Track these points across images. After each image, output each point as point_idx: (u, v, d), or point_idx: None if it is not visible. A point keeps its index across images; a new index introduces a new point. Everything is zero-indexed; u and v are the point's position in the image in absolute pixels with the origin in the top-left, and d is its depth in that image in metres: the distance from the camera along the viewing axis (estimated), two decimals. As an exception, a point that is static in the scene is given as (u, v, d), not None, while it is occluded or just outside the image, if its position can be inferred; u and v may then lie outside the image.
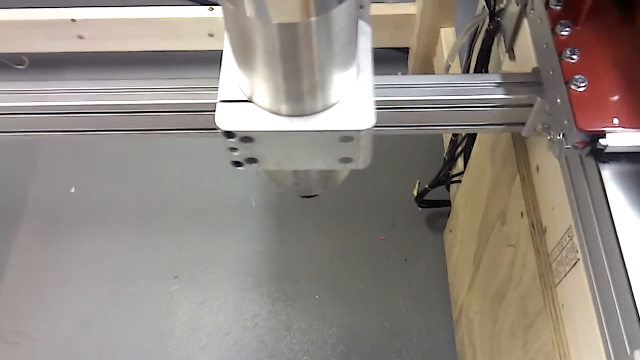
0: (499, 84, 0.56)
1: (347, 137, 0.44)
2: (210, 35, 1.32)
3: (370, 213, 1.25)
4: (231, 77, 0.45)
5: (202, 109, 0.56)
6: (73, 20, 1.28)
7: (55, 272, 1.19)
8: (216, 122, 0.44)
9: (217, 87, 0.45)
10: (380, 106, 0.56)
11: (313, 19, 0.36)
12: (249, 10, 0.36)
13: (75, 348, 1.12)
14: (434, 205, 1.20)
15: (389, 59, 1.43)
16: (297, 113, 0.44)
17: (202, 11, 1.30)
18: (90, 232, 1.23)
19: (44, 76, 1.40)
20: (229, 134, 0.44)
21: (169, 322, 1.14)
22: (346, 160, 0.47)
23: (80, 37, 1.31)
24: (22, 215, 1.25)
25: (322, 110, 0.44)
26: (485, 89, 0.57)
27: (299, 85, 0.41)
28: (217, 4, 1.29)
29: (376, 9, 1.31)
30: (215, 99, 0.45)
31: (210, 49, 1.33)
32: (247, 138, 0.44)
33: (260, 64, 0.41)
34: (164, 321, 1.14)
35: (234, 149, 0.45)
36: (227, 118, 0.44)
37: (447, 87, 0.58)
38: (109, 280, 1.18)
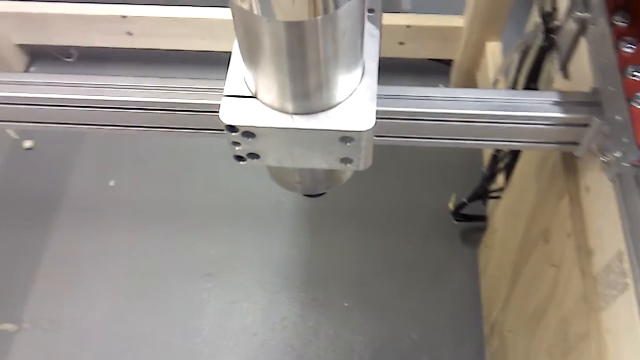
0: (556, 103, 0.56)
1: (347, 137, 0.45)
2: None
3: (403, 223, 1.24)
4: (238, 73, 0.46)
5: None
6: (124, 16, 1.30)
7: (90, 263, 1.21)
8: (220, 115, 0.45)
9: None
10: (423, 118, 0.57)
11: (318, 17, 0.37)
12: (256, 8, 0.37)
13: (104, 339, 1.13)
14: (470, 220, 1.19)
15: (430, 70, 1.43)
16: (300, 111, 0.44)
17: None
18: (126, 225, 1.25)
19: (90, 70, 1.43)
20: (232, 128, 0.45)
21: (197, 320, 1.15)
22: (346, 160, 0.47)
23: (129, 34, 1.33)
24: (61, 204, 1.27)
25: (324, 110, 0.45)
26: (540, 106, 0.56)
27: (302, 84, 0.42)
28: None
29: (421, 20, 1.31)
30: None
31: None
32: (249, 133, 0.45)
33: (265, 60, 0.42)
34: (192, 318, 1.15)
35: (236, 143, 0.46)
36: (230, 112, 0.45)
37: (498, 102, 0.57)
38: (141, 274, 1.20)
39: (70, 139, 1.35)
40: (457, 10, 1.29)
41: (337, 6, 0.37)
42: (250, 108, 0.45)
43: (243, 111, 0.45)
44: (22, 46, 1.42)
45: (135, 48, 1.35)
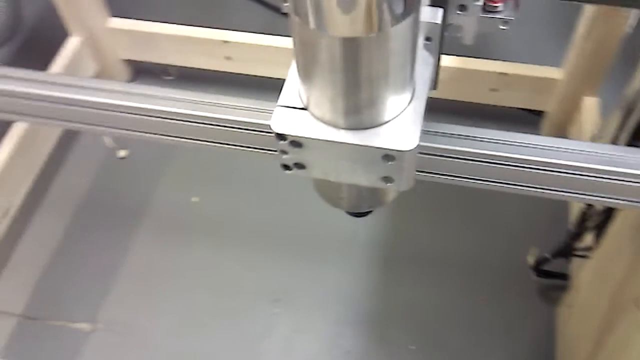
0: (668, 162, 0.54)
1: (389, 155, 0.46)
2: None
3: (480, 271, 1.22)
4: (294, 85, 0.48)
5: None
6: (225, 41, 1.35)
7: (166, 275, 1.24)
8: (270, 123, 0.47)
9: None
10: (514, 164, 0.56)
11: (372, 35, 0.39)
12: (312, 22, 0.39)
13: (170, 351, 1.15)
14: (551, 277, 1.15)
15: (521, 120, 1.41)
16: (346, 126, 0.46)
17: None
18: (204, 242, 1.28)
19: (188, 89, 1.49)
20: (280, 136, 0.47)
21: (262, 344, 1.15)
22: (388, 179, 0.48)
23: (228, 58, 1.38)
24: (146, 215, 1.32)
25: (371, 127, 0.46)
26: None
27: (351, 100, 0.44)
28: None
29: (516, 68, 1.30)
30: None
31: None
32: (296, 143, 0.47)
33: (317, 74, 0.44)
34: (258, 342, 1.16)
35: (284, 152, 0.48)
36: (280, 121, 0.47)
37: (599, 156, 0.56)
38: (213, 292, 1.22)
39: (160, 152, 1.40)
40: (554, 62, 1.28)
41: (390, 24, 0.39)
42: (300, 119, 0.47)
43: (293, 121, 0.47)
44: (127, 61, 1.50)
45: (232, 72, 1.40)
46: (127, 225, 1.31)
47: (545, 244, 1.13)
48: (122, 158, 1.41)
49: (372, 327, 1.17)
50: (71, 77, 0.68)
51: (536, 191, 0.58)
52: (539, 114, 1.38)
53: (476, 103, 1.35)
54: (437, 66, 0.57)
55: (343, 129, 0.46)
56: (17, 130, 1.23)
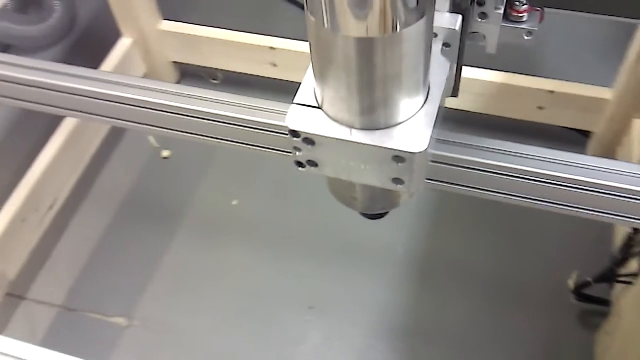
0: None
1: (399, 157, 0.46)
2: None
3: (518, 292, 1.19)
4: (310, 84, 0.49)
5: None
6: (272, 47, 1.37)
7: (203, 275, 1.26)
8: (286, 120, 0.48)
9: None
10: (559, 183, 0.55)
11: (385, 35, 0.40)
12: (327, 22, 0.40)
13: (203, 351, 1.16)
14: (592, 301, 1.12)
15: (566, 139, 1.38)
16: (359, 126, 0.47)
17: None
18: (241, 245, 1.29)
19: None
20: (294, 133, 0.48)
21: (293, 350, 1.15)
22: (398, 181, 0.49)
23: (274, 65, 1.39)
24: (186, 215, 1.34)
25: (382, 128, 0.47)
26: None
27: (363, 100, 0.45)
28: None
29: (566, 87, 1.27)
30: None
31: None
32: (309, 140, 0.48)
33: (331, 73, 0.45)
34: (288, 348, 1.16)
35: (297, 149, 0.49)
36: (295, 118, 0.48)
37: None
38: (248, 295, 1.23)
39: (203, 154, 1.42)
40: (603, 82, 1.25)
41: (403, 26, 0.40)
42: (314, 117, 0.48)
43: (307, 119, 0.48)
44: (175, 63, 1.53)
45: (278, 79, 1.42)
46: (167, 225, 1.33)
47: (586, 267, 1.10)
48: (165, 158, 1.43)
49: (406, 342, 1.15)
50: (119, 75, 0.70)
51: (580, 212, 0.57)
52: (586, 134, 1.35)
53: (522, 120, 1.33)
54: (459, 73, 0.57)
55: (355, 128, 0.47)
56: (67, 125, 1.27)
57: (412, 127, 0.47)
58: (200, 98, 0.64)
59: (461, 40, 0.54)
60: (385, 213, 0.61)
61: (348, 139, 0.47)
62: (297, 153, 0.50)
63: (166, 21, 1.44)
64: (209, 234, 1.32)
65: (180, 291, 1.24)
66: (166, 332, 1.19)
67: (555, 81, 1.28)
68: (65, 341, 1.19)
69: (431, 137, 0.47)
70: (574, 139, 1.37)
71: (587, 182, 0.54)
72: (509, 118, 1.34)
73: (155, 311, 1.21)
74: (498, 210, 1.27)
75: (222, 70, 1.51)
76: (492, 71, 1.28)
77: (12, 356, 0.60)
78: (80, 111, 0.71)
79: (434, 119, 0.47)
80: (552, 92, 1.26)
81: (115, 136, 1.45)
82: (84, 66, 0.71)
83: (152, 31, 1.42)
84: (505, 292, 1.19)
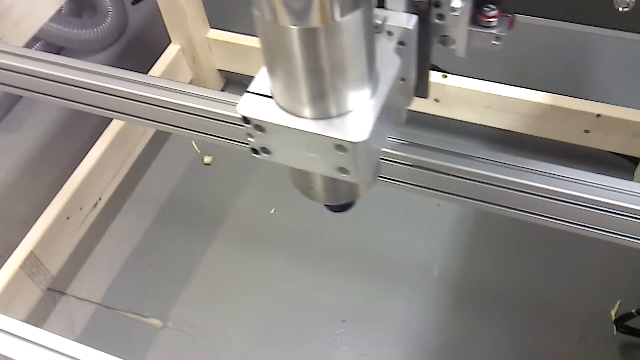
0: None
1: (341, 146, 0.48)
2: (436, 100, 1.34)
3: (558, 321, 1.16)
4: (266, 74, 0.51)
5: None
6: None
7: (239, 282, 1.27)
8: (237, 107, 0.50)
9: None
10: (605, 209, 0.54)
11: (321, 26, 0.42)
12: (267, 14, 0.42)
13: (235, 358, 1.17)
14: (634, 334, 1.08)
15: (613, 165, 1.34)
16: (305, 115, 0.48)
17: (434, 77, 1.32)
18: (278, 254, 1.30)
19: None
20: (245, 120, 0.50)
21: (323, 363, 1.15)
22: (343, 170, 0.50)
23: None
24: (225, 222, 1.35)
25: (327, 118, 0.48)
26: None
27: (306, 89, 0.46)
28: (450, 73, 1.32)
29: (614, 111, 1.24)
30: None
31: (433, 114, 1.35)
32: (259, 127, 0.50)
33: (275, 63, 0.47)
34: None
35: (250, 136, 0.51)
36: (246, 106, 0.50)
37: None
38: (282, 304, 1.23)
39: (244, 162, 1.43)
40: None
41: (342, 15, 0.42)
42: (264, 105, 0.50)
43: (258, 107, 0.50)
44: (221, 71, 1.55)
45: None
46: (206, 230, 1.34)
47: (631, 299, 1.07)
48: (207, 164, 1.45)
49: (435, 363, 1.14)
50: (167, 81, 0.71)
51: (625, 240, 0.56)
52: (634, 160, 1.31)
53: (568, 143, 1.31)
54: (426, 74, 0.59)
55: (302, 117, 0.49)
56: (114, 127, 1.30)
57: (355, 119, 0.48)
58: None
59: (423, 41, 0.55)
60: (350, 206, 0.62)
61: (293, 127, 0.49)
62: (250, 140, 0.52)
63: (214, 30, 1.47)
64: (247, 241, 1.32)
65: (215, 297, 1.25)
66: (200, 337, 1.20)
67: (603, 105, 1.25)
68: (101, 338, 1.21)
69: (374, 129, 0.48)
70: (621, 164, 1.34)
71: (633, 209, 0.53)
72: (554, 141, 1.31)
73: (190, 315, 1.23)
74: (540, 235, 1.24)
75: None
76: (538, 92, 1.26)
77: (51, 349, 0.61)
78: (128, 114, 0.73)
79: (379, 112, 0.49)
80: (599, 115, 1.23)
81: (159, 140, 1.48)
82: (134, 71, 0.73)
83: (201, 39, 1.45)
84: (544, 318, 1.16)
